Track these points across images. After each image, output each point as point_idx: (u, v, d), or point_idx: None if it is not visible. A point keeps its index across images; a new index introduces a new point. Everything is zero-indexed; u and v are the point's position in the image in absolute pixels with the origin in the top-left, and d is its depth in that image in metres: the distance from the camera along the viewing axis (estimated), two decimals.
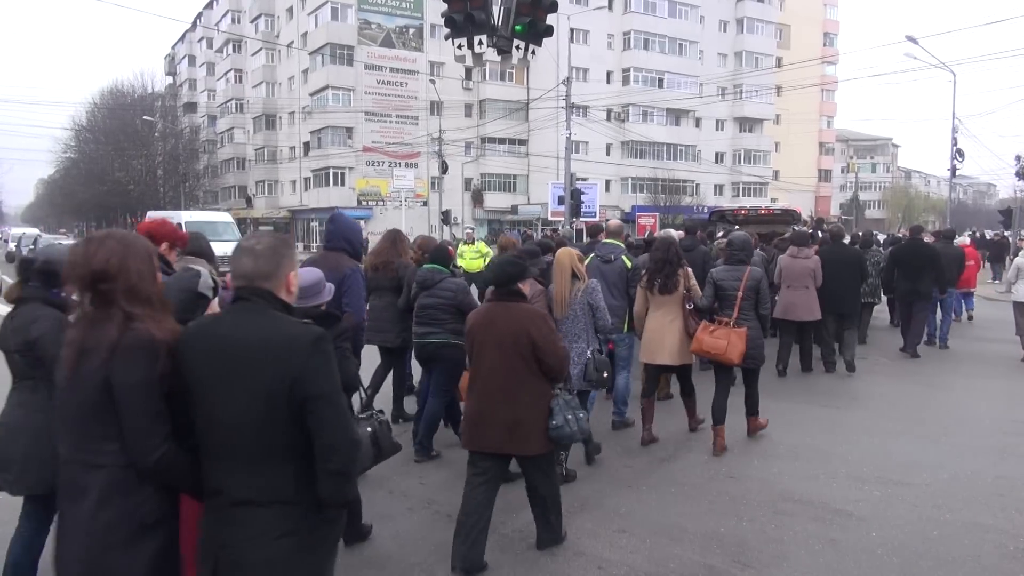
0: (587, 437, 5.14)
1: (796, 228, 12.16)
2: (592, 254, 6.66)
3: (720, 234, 11.76)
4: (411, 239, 7.20)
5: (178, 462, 2.16)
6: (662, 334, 6.01)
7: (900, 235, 16.63)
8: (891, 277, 10.69)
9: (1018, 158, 36.46)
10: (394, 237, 6.55)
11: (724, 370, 6.04)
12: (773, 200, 57.41)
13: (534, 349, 3.80)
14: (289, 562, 2.13)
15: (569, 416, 3.94)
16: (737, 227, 13.15)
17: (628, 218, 47.47)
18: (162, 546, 2.17)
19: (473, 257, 13.78)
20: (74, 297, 2.30)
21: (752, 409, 6.34)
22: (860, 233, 12.16)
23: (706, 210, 50.18)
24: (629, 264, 6.57)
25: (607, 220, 8.97)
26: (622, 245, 6.98)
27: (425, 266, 5.91)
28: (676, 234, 8.14)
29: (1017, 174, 37.06)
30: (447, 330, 5.55)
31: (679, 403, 6.58)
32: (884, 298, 11.75)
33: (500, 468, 4.03)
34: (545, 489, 4.07)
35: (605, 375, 5.12)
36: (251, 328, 2.15)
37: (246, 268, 2.24)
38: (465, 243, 14.55)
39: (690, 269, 6.22)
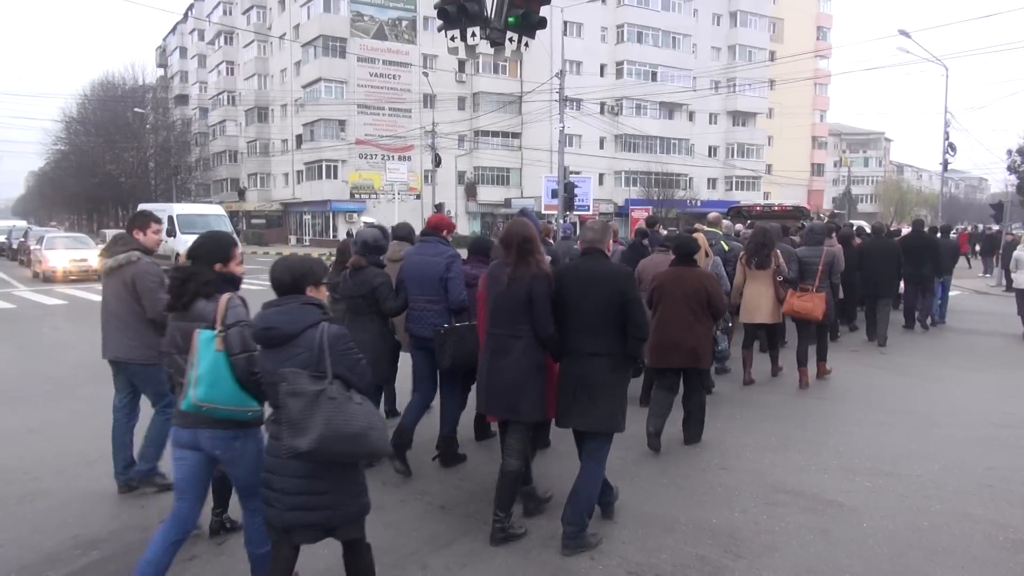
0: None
1: (805, 223, 12.68)
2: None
3: (737, 227, 12.07)
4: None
5: (555, 336, 4.05)
6: (758, 300, 7.77)
7: (896, 228, 18.12)
8: (900, 263, 11.78)
9: (1009, 152, 36.72)
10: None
11: (804, 325, 7.93)
12: (766, 195, 57.52)
13: (708, 297, 5.69)
14: (616, 383, 4.06)
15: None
16: (750, 221, 13.64)
17: (621, 212, 47.58)
18: (547, 377, 4.13)
19: None
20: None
21: (822, 355, 8.26)
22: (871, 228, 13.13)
23: (699, 203, 50.51)
24: (727, 248, 8.53)
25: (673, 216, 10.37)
26: (720, 232, 8.68)
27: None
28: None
29: (1008, 168, 37.30)
30: None
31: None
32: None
33: (676, 382, 5.88)
34: (700, 396, 5.94)
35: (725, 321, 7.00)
36: (598, 267, 4.10)
37: (589, 236, 4.23)
38: None
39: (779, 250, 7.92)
